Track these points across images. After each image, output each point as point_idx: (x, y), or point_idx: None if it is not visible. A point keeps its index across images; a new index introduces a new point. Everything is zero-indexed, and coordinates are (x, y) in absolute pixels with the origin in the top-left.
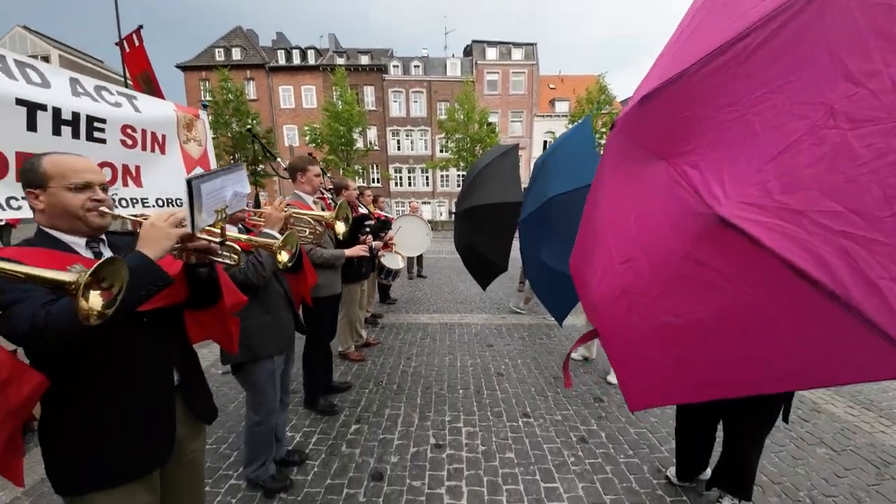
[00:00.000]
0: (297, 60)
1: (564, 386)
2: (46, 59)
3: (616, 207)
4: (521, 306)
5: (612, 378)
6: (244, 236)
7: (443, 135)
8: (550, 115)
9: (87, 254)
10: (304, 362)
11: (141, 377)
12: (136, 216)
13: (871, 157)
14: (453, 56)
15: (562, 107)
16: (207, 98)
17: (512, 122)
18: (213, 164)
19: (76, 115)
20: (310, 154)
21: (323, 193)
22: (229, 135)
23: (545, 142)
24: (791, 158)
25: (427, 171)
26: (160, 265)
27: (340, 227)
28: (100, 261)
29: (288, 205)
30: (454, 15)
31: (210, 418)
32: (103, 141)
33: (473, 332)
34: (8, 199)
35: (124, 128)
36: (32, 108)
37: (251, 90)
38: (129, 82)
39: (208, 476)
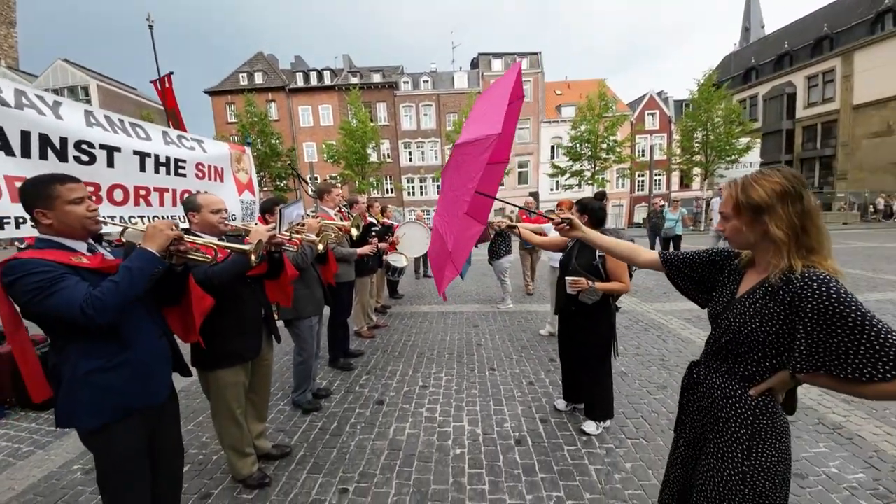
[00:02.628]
0: (314, 81)
1: (438, 293)
2: (86, 88)
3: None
4: (508, 302)
5: None
6: (298, 236)
7: (450, 146)
8: (557, 121)
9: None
10: (329, 332)
11: (247, 308)
12: (244, 225)
13: (455, 201)
14: (461, 69)
15: (568, 112)
16: (233, 121)
17: (520, 128)
18: (256, 188)
19: (168, 158)
20: (330, 176)
21: (341, 207)
22: (255, 154)
23: (552, 146)
24: (448, 200)
25: (437, 181)
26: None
27: (354, 232)
28: (257, 242)
29: (319, 217)
30: (462, 29)
31: (278, 339)
32: (184, 175)
33: (464, 318)
34: (129, 217)
35: (197, 165)
36: (143, 156)
37: (273, 111)
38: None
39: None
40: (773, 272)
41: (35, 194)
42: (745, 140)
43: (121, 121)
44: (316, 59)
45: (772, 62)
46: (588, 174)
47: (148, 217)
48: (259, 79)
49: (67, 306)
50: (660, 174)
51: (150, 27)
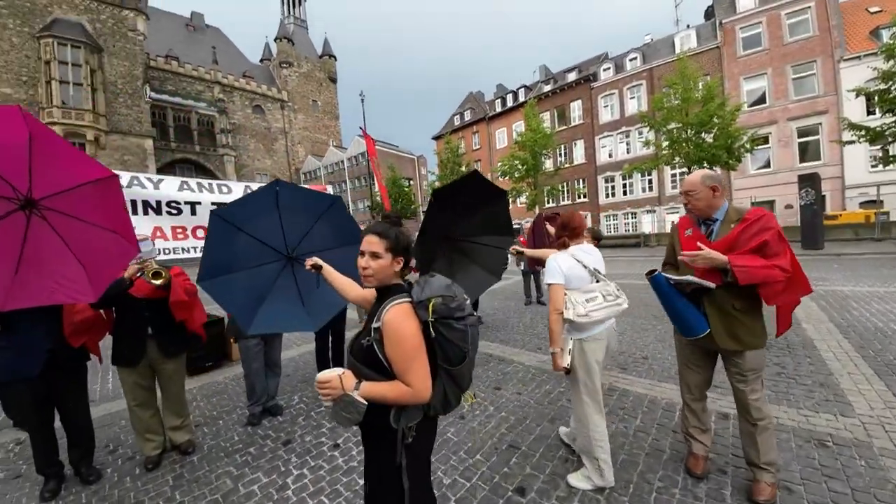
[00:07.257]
0: (510, 103)
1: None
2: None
3: None
4: None
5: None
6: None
7: (661, 129)
8: (874, 53)
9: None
10: (316, 354)
11: (129, 324)
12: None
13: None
14: (688, 27)
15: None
16: (444, 155)
17: (795, 79)
18: None
19: None
20: None
21: None
22: (447, 182)
23: (866, 96)
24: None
25: (647, 173)
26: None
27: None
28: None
29: None
30: None
31: (169, 354)
32: None
33: (501, 371)
34: (193, 248)
35: None
36: (218, 205)
37: (477, 141)
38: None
39: (233, 408)
40: None
41: None
42: None
43: (209, 184)
44: (516, 81)
45: None
46: None
47: None
48: (468, 116)
49: None
50: None
51: (362, 100)
